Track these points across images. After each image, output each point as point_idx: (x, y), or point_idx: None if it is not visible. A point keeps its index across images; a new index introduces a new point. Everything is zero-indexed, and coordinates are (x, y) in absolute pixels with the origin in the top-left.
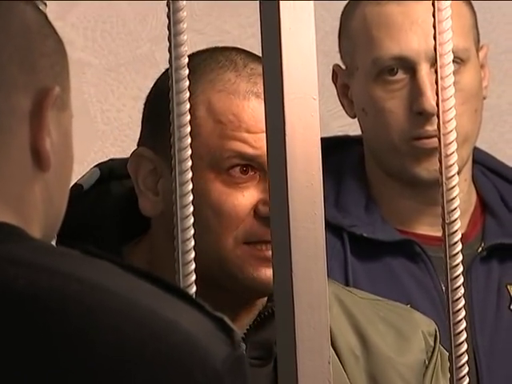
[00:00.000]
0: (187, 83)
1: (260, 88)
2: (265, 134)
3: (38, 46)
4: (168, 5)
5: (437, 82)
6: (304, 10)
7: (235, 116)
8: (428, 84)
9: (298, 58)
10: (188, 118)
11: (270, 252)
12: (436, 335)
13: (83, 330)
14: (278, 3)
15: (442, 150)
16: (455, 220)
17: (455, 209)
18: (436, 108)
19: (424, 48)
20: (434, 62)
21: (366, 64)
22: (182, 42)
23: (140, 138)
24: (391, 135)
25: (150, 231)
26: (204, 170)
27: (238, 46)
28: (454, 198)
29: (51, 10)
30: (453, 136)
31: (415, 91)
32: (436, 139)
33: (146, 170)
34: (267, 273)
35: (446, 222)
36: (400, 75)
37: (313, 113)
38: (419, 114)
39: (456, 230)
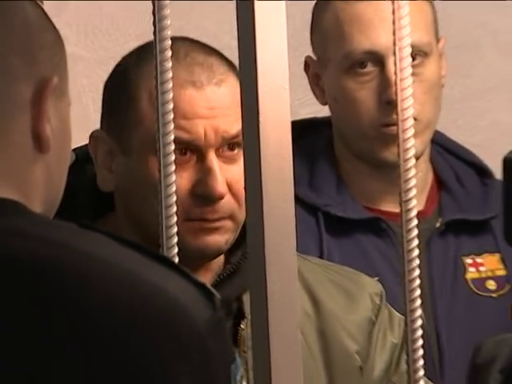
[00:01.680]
0: (170, 75)
1: (197, 77)
2: (202, 120)
3: (37, 39)
4: (153, 3)
5: (396, 73)
6: (276, 9)
7: (174, 104)
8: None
9: (271, 53)
10: (171, 106)
11: (209, 224)
12: (382, 295)
13: (79, 296)
14: (253, 2)
15: (400, 135)
16: (411, 198)
17: (411, 188)
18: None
19: (391, 43)
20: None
21: (338, 57)
22: (165, 36)
23: (101, 121)
24: (361, 122)
25: (114, 208)
26: (147, 153)
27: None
28: (410, 179)
29: (47, 9)
30: (410, 122)
31: (384, 83)
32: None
33: (103, 151)
34: (204, 241)
35: (403, 199)
36: (370, 68)
37: (284, 101)
38: (387, 104)
39: (412, 207)
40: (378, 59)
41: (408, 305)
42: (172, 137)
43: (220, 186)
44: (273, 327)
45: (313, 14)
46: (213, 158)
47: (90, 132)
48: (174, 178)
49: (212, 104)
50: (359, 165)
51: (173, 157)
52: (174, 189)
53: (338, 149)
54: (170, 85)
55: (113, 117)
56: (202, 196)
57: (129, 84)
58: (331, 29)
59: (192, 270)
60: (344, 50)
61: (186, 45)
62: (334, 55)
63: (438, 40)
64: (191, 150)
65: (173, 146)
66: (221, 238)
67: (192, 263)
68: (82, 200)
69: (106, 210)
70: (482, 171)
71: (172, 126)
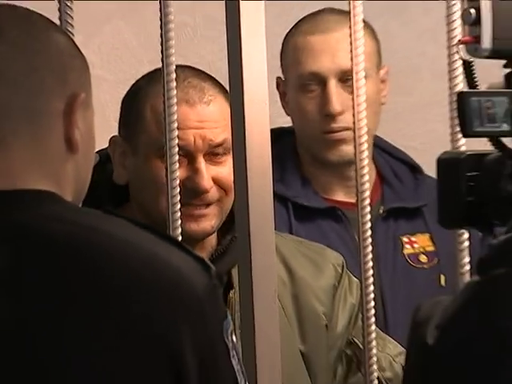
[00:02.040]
0: (174, 92)
1: (190, 96)
2: (192, 130)
3: (68, 64)
4: (161, 36)
5: (353, 92)
6: (259, 44)
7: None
8: (334, 94)
9: (255, 76)
10: (175, 117)
11: (195, 211)
12: (343, 265)
13: (104, 267)
14: (240, 39)
15: (356, 140)
16: (365, 190)
17: (365, 182)
18: (337, 110)
19: (333, 67)
20: (340, 78)
21: (294, 78)
22: (171, 62)
23: (118, 128)
24: (309, 130)
25: (129, 200)
26: (151, 154)
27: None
28: (364, 174)
29: (77, 40)
30: (364, 130)
31: (324, 99)
32: (341, 133)
33: (118, 151)
34: (191, 226)
35: (359, 191)
36: (315, 87)
37: (264, 114)
38: (327, 116)
39: (366, 197)
40: (321, 80)
41: (363, 274)
42: (176, 141)
43: (205, 183)
44: (256, 293)
45: (282, 45)
46: (201, 161)
47: (108, 136)
48: (177, 173)
49: (201, 118)
50: (316, 164)
51: (177, 157)
52: (177, 182)
53: (301, 152)
54: (175, 100)
55: (126, 125)
56: (191, 189)
57: (138, 101)
58: (290, 56)
59: None
60: (297, 72)
61: (186, 71)
62: (292, 76)
63: (380, 68)
64: (184, 153)
65: (177, 149)
66: (207, 225)
67: (188, 243)
68: (103, 192)
69: (123, 200)
70: (414, 168)
71: (176, 132)
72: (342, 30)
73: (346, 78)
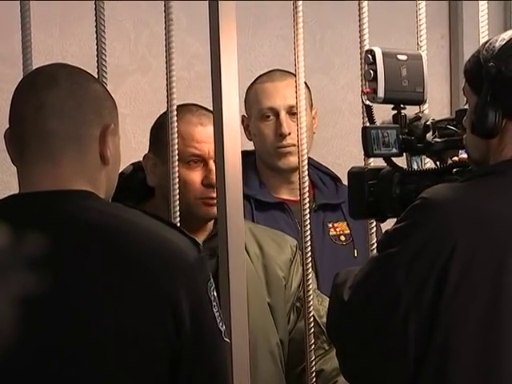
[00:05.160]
0: (175, 124)
1: (203, 121)
2: (206, 144)
3: (102, 103)
4: (167, 84)
5: (297, 120)
6: (232, 88)
7: (191, 135)
8: (284, 121)
9: (230, 113)
10: (176, 136)
11: (211, 201)
12: (296, 246)
13: (128, 245)
14: (221, 90)
15: (299, 153)
16: (305, 192)
17: (306, 185)
18: (287, 132)
19: (283, 104)
20: (288, 111)
21: (256, 112)
22: (173, 104)
23: (149, 147)
24: (267, 146)
25: (154, 196)
26: (179, 162)
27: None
28: (305, 179)
29: (109, 87)
30: (305, 145)
31: (278, 124)
32: (289, 148)
33: (150, 164)
34: (209, 210)
35: (302, 192)
36: (271, 117)
37: (236, 139)
38: (280, 136)
39: (306, 197)
40: (275, 112)
41: (303, 250)
42: (176, 152)
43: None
44: (231, 260)
45: (246, 92)
46: (212, 165)
47: (130, 154)
48: (177, 179)
49: (211, 135)
50: (269, 172)
51: (177, 163)
52: (177, 185)
53: (259, 164)
54: (176, 129)
55: (156, 144)
56: (207, 185)
57: (162, 128)
58: (252, 97)
59: (198, 229)
60: (258, 108)
61: (196, 106)
62: (253, 111)
63: (312, 107)
64: (200, 159)
65: (177, 157)
66: (215, 210)
67: (199, 224)
68: (133, 192)
69: (148, 197)
70: (335, 178)
71: (176, 146)
72: (287, 80)
73: (291, 111)
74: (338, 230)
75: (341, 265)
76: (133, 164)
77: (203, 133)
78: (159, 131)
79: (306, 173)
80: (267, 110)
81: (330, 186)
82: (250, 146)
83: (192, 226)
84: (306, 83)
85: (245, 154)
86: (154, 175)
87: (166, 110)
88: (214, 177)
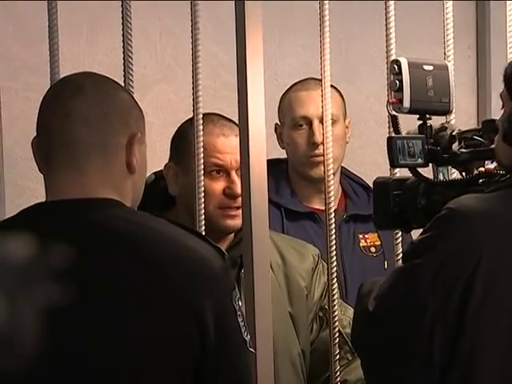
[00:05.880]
0: (201, 133)
1: (225, 131)
2: (228, 154)
3: (129, 112)
4: (193, 93)
5: (323, 129)
6: (258, 103)
7: (213, 146)
8: (317, 131)
9: (256, 124)
10: (201, 145)
11: (232, 212)
12: (319, 255)
13: (153, 253)
14: (247, 100)
15: (325, 163)
16: (331, 201)
17: (331, 195)
18: (319, 141)
19: (316, 113)
20: (320, 120)
21: (288, 120)
22: (199, 112)
23: (169, 157)
24: (299, 155)
25: (176, 205)
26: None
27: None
28: (331, 189)
29: (136, 96)
30: (330, 155)
31: (311, 134)
32: (321, 157)
33: (172, 173)
34: (229, 222)
35: (327, 202)
36: (304, 126)
37: (262, 147)
38: (312, 145)
39: (331, 206)
40: (308, 121)
41: (329, 259)
42: (202, 161)
43: (239, 190)
44: (256, 270)
45: (280, 100)
46: (234, 175)
47: (156, 163)
48: (202, 188)
49: (233, 146)
50: (301, 181)
51: (202, 173)
52: (203, 194)
53: (291, 172)
54: (202, 138)
55: (178, 154)
56: (229, 195)
57: (184, 137)
58: (286, 106)
59: (218, 240)
60: (291, 116)
61: (217, 116)
62: (286, 120)
63: (345, 116)
64: (223, 170)
65: (202, 166)
66: (239, 222)
67: (219, 235)
68: (156, 201)
69: (170, 206)
70: (367, 188)
71: (202, 156)
72: (319, 89)
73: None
74: (368, 241)
75: (370, 276)
76: (155, 173)
77: (226, 143)
78: (180, 140)
79: (332, 182)
80: (300, 118)
81: (362, 196)
82: (278, 154)
83: (212, 236)
84: (340, 92)
85: (277, 162)
86: (175, 185)
87: (187, 119)
88: (236, 187)
